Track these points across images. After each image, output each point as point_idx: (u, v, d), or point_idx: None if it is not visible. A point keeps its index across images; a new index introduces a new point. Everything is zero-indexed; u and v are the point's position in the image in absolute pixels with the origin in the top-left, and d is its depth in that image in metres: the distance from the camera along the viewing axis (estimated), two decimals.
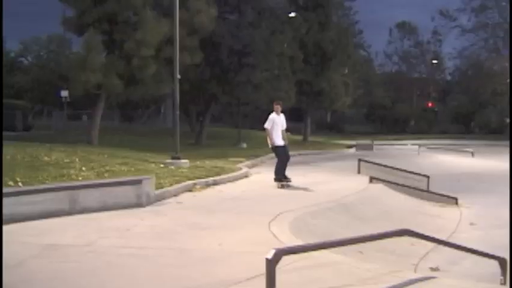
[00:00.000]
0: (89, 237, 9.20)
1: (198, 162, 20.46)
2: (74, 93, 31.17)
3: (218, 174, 17.89)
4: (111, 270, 7.29)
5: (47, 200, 11.08)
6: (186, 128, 33.95)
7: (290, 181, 16.35)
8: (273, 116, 16.46)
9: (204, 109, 39.97)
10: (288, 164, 16.69)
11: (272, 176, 16.58)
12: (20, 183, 12.68)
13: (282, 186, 16.14)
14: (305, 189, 16.18)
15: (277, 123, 16.39)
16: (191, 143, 33.86)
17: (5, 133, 37.61)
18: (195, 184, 15.58)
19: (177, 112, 20.99)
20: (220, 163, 21.38)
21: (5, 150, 17.25)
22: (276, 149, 16.60)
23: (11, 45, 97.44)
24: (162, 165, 18.45)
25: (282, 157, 16.54)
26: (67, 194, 11.43)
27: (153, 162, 19.06)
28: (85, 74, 25.17)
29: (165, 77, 27.85)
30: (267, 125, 16.41)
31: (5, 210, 10.28)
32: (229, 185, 16.94)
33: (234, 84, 35.16)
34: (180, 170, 17.70)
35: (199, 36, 30.47)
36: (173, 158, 19.56)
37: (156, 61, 27.09)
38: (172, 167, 18.21)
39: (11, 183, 12.65)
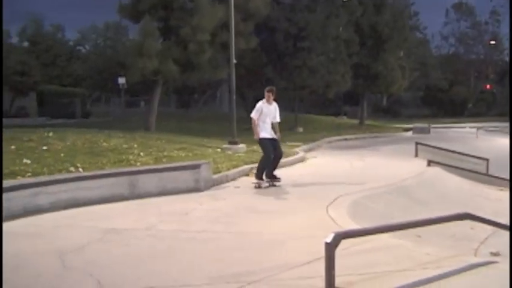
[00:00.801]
0: (148, 222, 9.34)
1: (254, 147, 20.42)
2: (131, 79, 31.48)
3: None
4: (172, 254, 7.38)
5: (107, 185, 11.30)
6: (242, 113, 33.96)
7: (279, 180, 13.66)
8: (260, 104, 13.87)
9: (261, 93, 39.94)
10: (345, 147, 16.27)
11: (328, 159, 16.35)
12: (80, 169, 12.95)
13: (258, 187, 13.23)
14: (362, 172, 16.07)
15: (266, 113, 13.74)
16: (247, 128, 33.88)
17: (64, 120, 38.48)
18: (252, 169, 15.61)
19: (234, 97, 21.07)
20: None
21: (65, 136, 17.63)
22: (261, 141, 13.80)
23: (69, 35, 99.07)
24: (219, 150, 18.55)
25: (268, 152, 13.59)
26: (127, 179, 11.63)
27: (210, 147, 19.19)
28: (142, 61, 25.40)
29: (221, 62, 27.94)
30: (253, 115, 13.81)
31: (66, 195, 10.56)
32: (286, 169, 16.93)
33: (289, 68, 35.03)
34: (237, 155, 17.80)
35: (254, 21, 30.39)
36: (230, 143, 19.65)
37: (212, 46, 27.15)
38: (230, 152, 18.31)
39: (71, 168, 12.93)
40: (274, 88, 14.14)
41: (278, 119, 14.07)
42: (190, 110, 57.22)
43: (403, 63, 45.14)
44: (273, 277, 6.27)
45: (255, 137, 13.78)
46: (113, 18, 64.19)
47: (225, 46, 24.13)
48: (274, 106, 14.01)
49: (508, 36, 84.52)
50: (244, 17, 28.65)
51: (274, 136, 13.83)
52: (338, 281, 5.75)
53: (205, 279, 6.21)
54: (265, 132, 13.66)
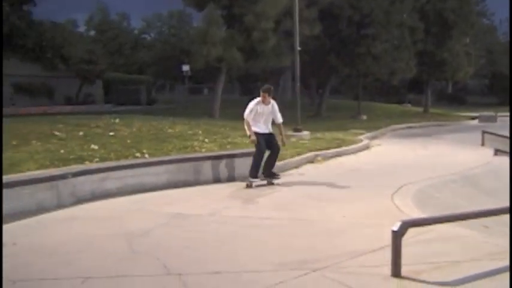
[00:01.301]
0: (213, 207, 9.44)
1: (318, 134, 20.45)
2: (195, 67, 31.77)
3: (339, 146, 17.83)
4: (236, 240, 7.44)
5: (172, 171, 11.47)
6: (306, 100, 33.94)
7: (278, 177, 12.18)
8: (254, 104, 12.20)
9: (324, 81, 39.85)
10: (409, 135, 15.88)
11: (392, 147, 16.04)
12: (146, 155, 13.15)
13: (250, 186, 11.67)
14: (427, 161, 15.86)
15: (260, 114, 12.18)
16: (311, 115, 33.87)
17: (130, 107, 39.09)
18: (316, 156, 15.61)
19: (298, 84, 21.03)
20: (340, 135, 21.27)
21: (131, 122, 17.92)
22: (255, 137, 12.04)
23: (135, 23, 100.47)
24: None
25: (261, 147, 11.99)
26: (192, 165, 11.76)
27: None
28: (206, 48, 25.60)
29: (285, 49, 27.93)
30: (246, 114, 12.09)
31: (133, 181, 10.76)
32: (350, 156, 16.85)
33: (353, 55, 34.76)
34: (301, 142, 17.78)
35: (318, 8, 30.27)
36: (294, 130, 19.64)
37: (276, 34, 27.17)
38: (294, 139, 18.29)
39: (138, 154, 13.16)
40: (271, 88, 12.56)
41: (280, 120, 12.61)
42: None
43: (469, 50, 44.25)
44: (338, 265, 6.26)
45: (250, 139, 12.01)
46: (177, 6, 64.78)
47: (289, 33, 24.11)
48: (272, 106, 12.42)
49: None
50: (308, 4, 28.55)
51: (269, 131, 12.28)
52: (404, 269, 5.72)
53: (270, 266, 6.24)
54: (258, 127, 12.08)
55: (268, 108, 12.29)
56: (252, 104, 12.14)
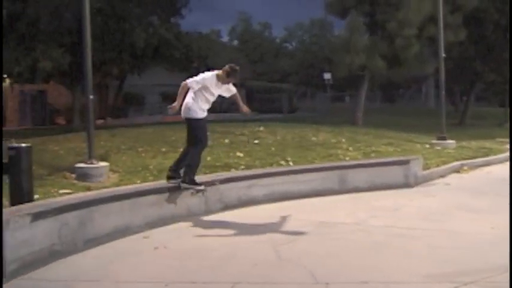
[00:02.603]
0: (358, 216, 9.42)
1: (463, 143, 19.87)
2: (338, 75, 31.77)
3: (486, 155, 17.29)
4: (382, 249, 7.37)
5: (317, 179, 11.53)
6: (449, 107, 33.06)
7: (202, 188, 9.54)
8: (210, 77, 9.44)
9: (467, 88, 38.67)
10: None
11: None
12: (290, 163, 13.30)
13: (199, 191, 9.55)
14: None
15: (211, 93, 9.46)
16: (454, 123, 32.99)
17: (272, 115, 39.55)
18: (462, 165, 15.19)
19: (443, 92, 20.56)
20: (487, 144, 20.55)
21: (275, 130, 18.14)
22: (195, 123, 9.45)
23: (276, 32, 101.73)
24: (427, 146, 18.19)
25: (204, 138, 9.62)
26: (337, 174, 11.79)
27: (418, 143, 18.87)
28: (349, 56, 25.54)
29: (428, 56, 27.36)
30: (190, 82, 9.29)
31: (279, 188, 10.91)
32: (497, 166, 16.23)
33: (500, 61, 33.48)
34: (446, 151, 17.36)
35: (462, 13, 29.44)
36: (439, 138, 19.20)
37: (419, 40, 26.68)
38: (438, 148, 17.89)
39: (282, 162, 13.33)
40: (236, 69, 9.50)
41: (234, 91, 9.82)
42: (395, 105, 56.59)
43: None
44: (487, 279, 6.06)
45: (171, 107, 9.20)
46: (319, 15, 65.11)
47: (433, 40, 23.59)
48: (228, 89, 9.72)
49: None
50: (452, 9, 27.83)
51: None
52: None
53: (416, 277, 6.15)
54: (202, 110, 9.43)
55: (223, 90, 9.64)
56: (208, 75, 9.45)
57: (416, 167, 12.72)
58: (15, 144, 7.86)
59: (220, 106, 44.40)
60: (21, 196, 7.75)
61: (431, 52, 26.30)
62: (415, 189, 12.19)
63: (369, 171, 12.19)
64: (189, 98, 9.34)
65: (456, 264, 6.61)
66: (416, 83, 60.33)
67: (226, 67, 9.46)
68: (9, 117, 39.52)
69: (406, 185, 12.27)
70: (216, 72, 9.53)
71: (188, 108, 9.36)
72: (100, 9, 24.54)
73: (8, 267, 6.30)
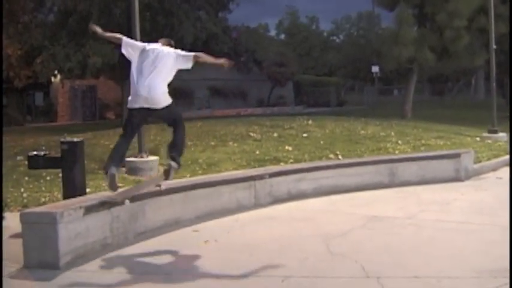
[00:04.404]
0: (409, 210, 9.32)
1: None
2: (386, 68, 31.59)
3: None
4: (434, 244, 7.29)
5: (366, 172, 11.44)
6: (500, 100, 32.44)
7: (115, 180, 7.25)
8: (141, 44, 7.86)
9: None
10: None
11: None
12: (339, 156, 13.25)
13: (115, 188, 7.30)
14: None
15: (148, 57, 7.35)
16: (505, 116, 32.38)
17: (320, 108, 39.47)
18: None
19: (494, 84, 20.23)
20: None
21: (323, 124, 18.10)
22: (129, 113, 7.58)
23: (324, 26, 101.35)
24: (478, 139, 17.92)
25: (130, 130, 7.63)
26: (386, 167, 11.68)
27: (468, 136, 18.60)
28: (397, 49, 25.31)
29: (478, 48, 26.93)
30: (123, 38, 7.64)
31: (328, 182, 10.87)
32: None
33: None
34: (497, 144, 17.07)
35: None
36: (490, 132, 18.89)
37: (469, 32, 26.27)
38: (489, 141, 17.61)
39: (331, 156, 13.30)
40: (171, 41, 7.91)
41: (190, 53, 7.63)
42: (444, 98, 55.89)
43: None
44: None
45: None
46: (366, 7, 64.64)
47: (483, 31, 23.20)
48: (169, 51, 7.50)
49: None
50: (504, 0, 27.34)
51: (149, 105, 7.28)
52: None
53: (470, 272, 6.07)
54: (136, 95, 7.26)
55: (163, 52, 7.44)
56: (136, 43, 8.10)
57: (467, 161, 12.53)
58: (68, 139, 7.97)
59: (267, 100, 44.60)
60: (73, 189, 7.86)
61: (481, 43, 25.88)
62: (466, 183, 12.00)
63: (419, 165, 12.05)
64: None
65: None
66: (465, 75, 59.44)
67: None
68: (60, 113, 40.23)
69: (457, 178, 12.09)
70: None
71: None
72: (148, 4, 24.71)
73: (62, 259, 6.43)
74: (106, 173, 7.25)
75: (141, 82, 7.23)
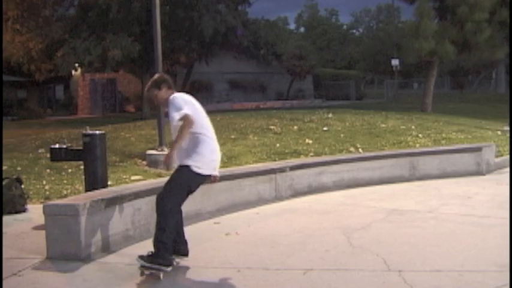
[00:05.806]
0: (430, 204, 9.29)
1: None
2: (406, 61, 31.34)
3: None
4: (455, 238, 7.25)
5: (387, 166, 11.43)
6: None
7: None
8: (188, 97, 6.18)
9: None
10: None
11: None
12: (360, 150, 13.23)
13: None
14: None
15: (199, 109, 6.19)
16: None
17: (340, 102, 39.38)
18: None
19: None
20: None
21: (344, 117, 18.05)
22: (193, 178, 6.11)
23: (343, 19, 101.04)
24: (499, 133, 17.79)
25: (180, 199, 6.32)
26: (407, 161, 11.67)
27: (489, 130, 18.48)
28: (418, 42, 25.16)
29: (499, 41, 26.73)
30: (188, 111, 5.93)
31: (349, 175, 10.87)
32: None
33: None
34: None
35: None
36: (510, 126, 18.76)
37: (490, 25, 26.07)
38: (509, 135, 17.49)
39: (351, 149, 13.28)
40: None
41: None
42: (464, 91, 55.57)
43: None
44: None
45: (167, 164, 6.08)
46: (385, 0, 64.32)
47: (505, 24, 23.01)
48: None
49: None
50: None
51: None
52: None
53: (491, 266, 6.03)
54: (212, 160, 6.20)
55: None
56: (186, 98, 6.16)
57: (488, 154, 12.47)
58: (89, 131, 8.00)
59: (287, 93, 44.56)
60: (95, 182, 7.89)
61: (502, 37, 25.69)
62: (487, 176, 11.94)
63: (440, 158, 12.01)
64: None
65: None
66: (486, 68, 59.02)
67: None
68: (81, 106, 40.50)
69: (478, 172, 12.04)
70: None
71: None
72: None
73: (84, 251, 6.48)
74: (161, 264, 5.90)
75: (215, 144, 6.26)
